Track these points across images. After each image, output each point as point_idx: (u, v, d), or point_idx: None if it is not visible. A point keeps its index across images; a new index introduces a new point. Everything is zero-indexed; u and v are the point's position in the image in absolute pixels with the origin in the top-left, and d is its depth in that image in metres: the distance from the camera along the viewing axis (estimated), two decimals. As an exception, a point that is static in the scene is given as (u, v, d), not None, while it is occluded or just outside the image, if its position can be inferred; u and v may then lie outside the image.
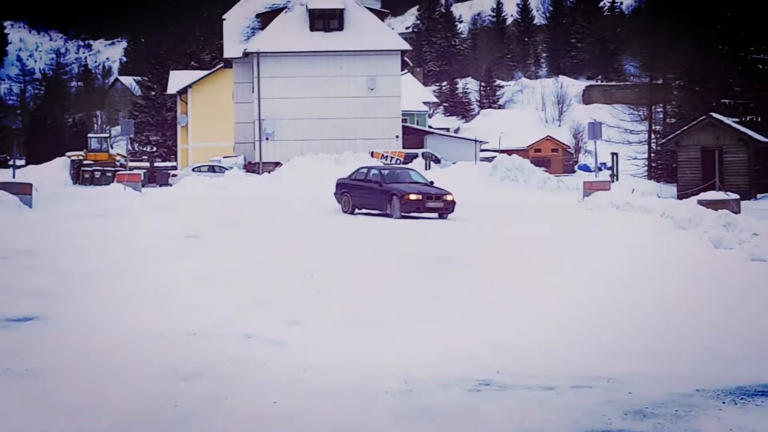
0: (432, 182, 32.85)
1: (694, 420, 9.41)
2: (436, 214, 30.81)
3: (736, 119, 51.38)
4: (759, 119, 52.66)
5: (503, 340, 13.17)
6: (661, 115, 72.72)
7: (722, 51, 58.90)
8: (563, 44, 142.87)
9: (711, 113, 50.61)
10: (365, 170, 34.02)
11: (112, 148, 77.08)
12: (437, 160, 61.70)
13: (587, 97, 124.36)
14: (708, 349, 12.83)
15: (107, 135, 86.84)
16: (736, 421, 9.38)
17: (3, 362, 11.28)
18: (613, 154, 61.89)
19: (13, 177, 40.12)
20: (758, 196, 48.20)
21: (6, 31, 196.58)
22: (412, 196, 30.42)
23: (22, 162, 72.76)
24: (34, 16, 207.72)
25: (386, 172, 33.60)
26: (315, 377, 10.96)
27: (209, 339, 13.00)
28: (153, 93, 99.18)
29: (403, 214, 30.26)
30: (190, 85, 78.45)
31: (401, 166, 36.81)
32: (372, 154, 57.51)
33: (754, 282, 19.00)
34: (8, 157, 78.01)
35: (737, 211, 29.65)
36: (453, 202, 30.82)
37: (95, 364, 11.37)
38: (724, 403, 10.07)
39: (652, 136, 70.86)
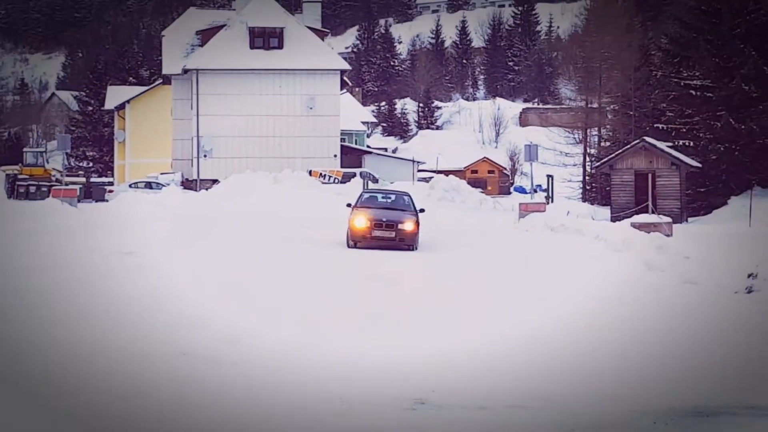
0: (421, 210, 29.01)
1: (625, 440, 9.52)
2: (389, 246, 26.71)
3: (669, 143, 51.93)
4: (691, 144, 53.26)
5: (441, 360, 13.23)
6: (596, 139, 73.34)
7: (656, 76, 59.63)
8: (501, 67, 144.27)
9: (644, 137, 51.13)
10: (367, 194, 31.51)
11: (47, 162, 76.27)
12: (375, 180, 61.78)
13: (524, 120, 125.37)
14: (641, 370, 12.98)
15: (43, 150, 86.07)
16: (667, 441, 9.50)
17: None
18: (548, 176, 62.33)
19: (-53, 190, 39.65)
20: (689, 219, 48.76)
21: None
22: (358, 223, 26.91)
23: (-44, 176, 71.82)
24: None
25: (371, 196, 30.71)
26: (259, 395, 10.95)
27: (148, 358, 12.93)
28: (90, 108, 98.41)
29: (352, 243, 27.14)
30: (128, 101, 77.92)
31: (397, 191, 32.98)
32: (310, 172, 57.48)
33: (686, 304, 19.24)
34: (-59, 171, 77.00)
35: (669, 234, 30.03)
36: (411, 234, 26.86)
37: (35, 385, 11.27)
38: (655, 423, 10.19)
39: (587, 159, 71.40)
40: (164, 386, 11.27)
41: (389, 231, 26.78)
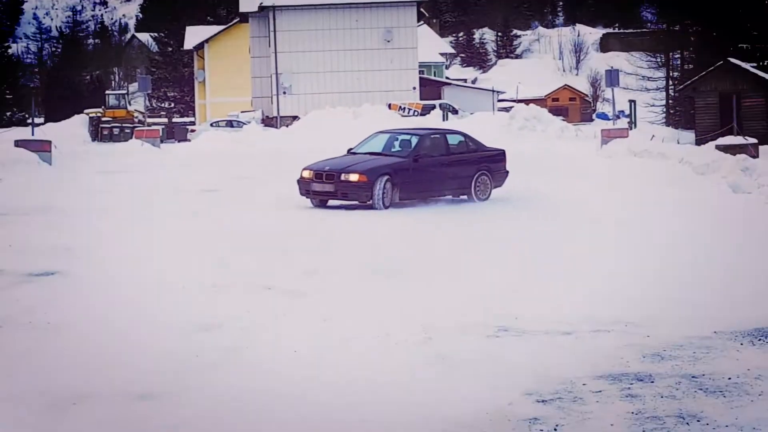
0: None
1: (712, 362, 9.42)
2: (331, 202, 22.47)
3: (754, 64, 51.01)
4: (777, 63, 52.30)
5: (522, 287, 13.19)
6: (679, 62, 72.21)
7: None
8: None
9: (728, 58, 50.24)
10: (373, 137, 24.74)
11: (129, 104, 77.07)
12: (455, 111, 61.48)
13: (604, 45, 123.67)
14: (726, 292, 12.81)
15: (125, 91, 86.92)
16: (755, 361, 9.39)
17: (24, 316, 11.37)
18: (630, 101, 61.55)
19: (32, 135, 40.27)
20: (776, 140, 47.94)
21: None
22: (304, 173, 22.36)
23: (41, 120, 72.78)
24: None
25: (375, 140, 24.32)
26: (334, 327, 11.01)
27: (229, 291, 13.05)
28: (170, 49, 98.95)
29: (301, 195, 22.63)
30: (206, 41, 78.26)
31: (424, 129, 25.66)
32: (390, 106, 57.35)
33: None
34: (27, 116, 78.12)
35: (755, 156, 29.52)
36: (354, 185, 21.65)
37: (116, 318, 11.44)
38: (741, 344, 10.08)
39: (670, 82, 70.43)
40: (245, 319, 11.36)
41: (326, 184, 21.92)
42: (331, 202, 22.39)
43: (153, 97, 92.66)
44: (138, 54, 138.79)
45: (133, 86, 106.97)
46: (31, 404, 8.19)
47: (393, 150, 23.40)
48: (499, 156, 24.25)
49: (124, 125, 66.64)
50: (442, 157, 23.12)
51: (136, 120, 68.49)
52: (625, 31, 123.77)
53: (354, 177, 21.63)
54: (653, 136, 44.93)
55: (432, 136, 23.84)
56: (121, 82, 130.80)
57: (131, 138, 49.53)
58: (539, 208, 21.41)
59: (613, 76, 47.39)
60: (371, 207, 21.58)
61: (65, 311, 11.72)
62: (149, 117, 74.22)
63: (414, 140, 23.30)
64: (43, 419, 7.86)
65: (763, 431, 7.40)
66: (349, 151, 23.77)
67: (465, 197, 23.38)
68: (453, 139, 24.00)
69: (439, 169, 22.90)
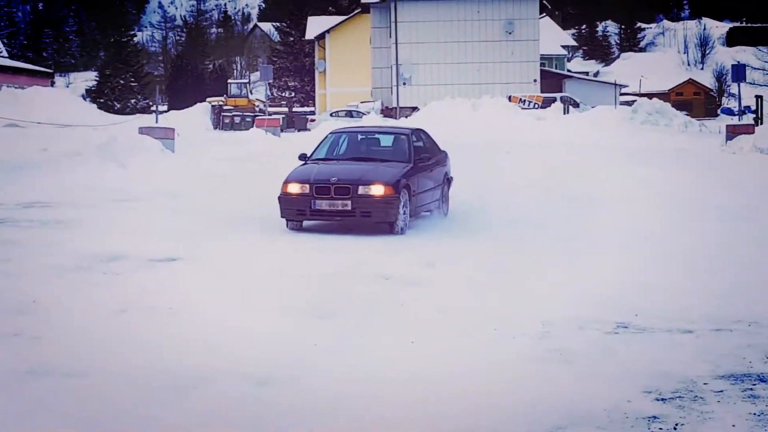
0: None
1: (839, 365, 9.22)
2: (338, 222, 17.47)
3: None
4: None
5: (641, 281, 13.04)
6: (809, 57, 70.59)
7: None
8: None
9: None
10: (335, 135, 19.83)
11: (251, 93, 78.01)
12: (576, 104, 61.00)
13: (731, 40, 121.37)
14: None
15: (246, 81, 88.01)
16: None
17: (147, 301, 11.59)
18: (757, 97, 60.30)
19: (156, 122, 40.97)
20: None
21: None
22: (292, 188, 17.14)
23: (164, 107, 74.23)
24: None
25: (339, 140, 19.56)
26: (451, 318, 11.03)
27: (347, 278, 13.16)
28: (291, 39, 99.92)
29: (283, 218, 17.49)
30: (327, 31, 78.83)
31: (389, 128, 22.77)
32: (510, 98, 57.13)
33: None
34: (151, 103, 79.61)
35: None
36: (379, 201, 16.73)
37: (235, 304, 11.60)
38: None
39: (799, 78, 68.89)
40: (363, 306, 11.44)
41: (341, 200, 16.81)
42: (306, 224, 17.84)
43: (274, 87, 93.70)
44: (260, 43, 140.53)
45: (255, 75, 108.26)
46: (152, 385, 8.36)
47: (369, 154, 18.56)
48: (445, 158, 20.32)
49: (245, 114, 67.55)
50: (424, 162, 18.70)
51: (257, 109, 69.34)
52: (754, 24, 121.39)
53: (378, 189, 16.68)
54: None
55: (405, 135, 19.06)
56: (243, 71, 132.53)
57: (252, 127, 50.13)
58: (661, 204, 21.11)
59: (739, 71, 46.48)
60: (388, 231, 17.15)
61: (186, 296, 11.92)
62: (270, 106, 75.02)
63: (394, 140, 19.00)
64: (165, 400, 8.01)
65: None
66: (306, 157, 18.64)
67: (428, 213, 19.24)
68: (418, 140, 19.34)
69: (427, 177, 18.71)
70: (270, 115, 55.80)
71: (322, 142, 19.27)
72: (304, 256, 14.89)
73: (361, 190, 16.66)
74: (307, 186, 16.89)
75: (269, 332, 10.26)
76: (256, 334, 10.16)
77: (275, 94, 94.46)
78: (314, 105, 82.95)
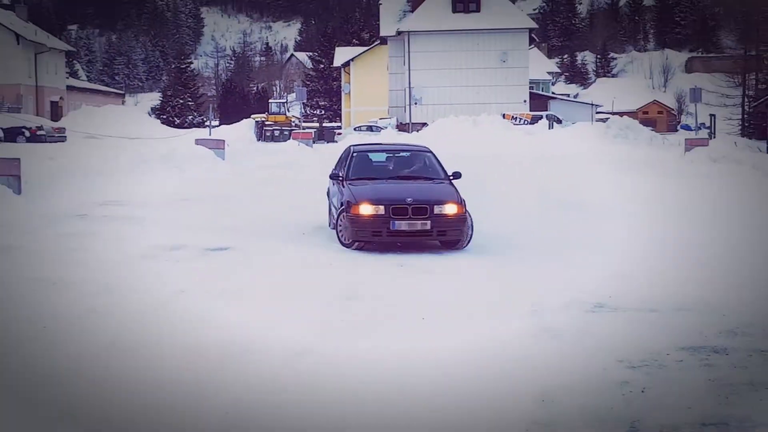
0: (454, 175, 15.86)
1: (780, 339, 9.18)
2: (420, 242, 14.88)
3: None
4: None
5: (616, 270, 12.99)
6: (754, 82, 70.26)
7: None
8: (669, 21, 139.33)
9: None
10: (359, 154, 16.75)
11: (288, 111, 77.97)
12: (559, 121, 60.83)
13: (689, 67, 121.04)
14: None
15: (284, 101, 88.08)
16: (818, 341, 9.12)
17: (203, 284, 11.61)
18: (711, 115, 60.12)
19: (209, 135, 41.05)
20: (840, 150, 46.29)
21: (202, 15, 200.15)
22: (364, 209, 14.43)
23: (216, 123, 74.19)
24: (226, 2, 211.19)
25: (366, 157, 16.75)
26: (457, 299, 11.03)
27: (369, 267, 13.15)
28: (321, 65, 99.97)
29: (353, 240, 14.67)
30: (352, 59, 78.81)
31: (409, 146, 18.90)
32: (504, 115, 57.00)
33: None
34: (205, 120, 79.73)
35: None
36: (453, 220, 14.51)
37: (278, 287, 11.60)
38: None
39: (746, 99, 68.57)
40: (379, 289, 11.43)
41: (419, 220, 14.38)
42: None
43: (307, 106, 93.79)
44: (296, 69, 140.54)
45: (291, 96, 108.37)
46: (209, 356, 8.37)
47: (408, 172, 16.16)
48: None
49: (283, 128, 67.49)
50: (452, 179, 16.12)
51: (293, 124, 69.34)
52: (708, 55, 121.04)
53: (452, 209, 14.52)
54: (735, 143, 43.79)
55: (429, 152, 16.93)
56: (282, 93, 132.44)
57: (289, 139, 50.16)
58: (628, 210, 21.00)
59: (696, 94, 46.33)
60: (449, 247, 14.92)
61: (236, 280, 11.94)
62: (304, 122, 75.01)
63: (421, 157, 16.64)
64: (220, 369, 8.02)
65: (825, 400, 7.19)
66: (340, 177, 15.82)
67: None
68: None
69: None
70: (304, 129, 55.79)
71: (349, 160, 16.20)
72: (333, 245, 14.89)
73: (436, 209, 14.35)
74: (382, 207, 14.22)
75: (304, 311, 10.27)
76: (294, 312, 10.17)
77: (308, 112, 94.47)
78: (341, 121, 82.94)
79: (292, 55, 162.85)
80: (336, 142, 55.72)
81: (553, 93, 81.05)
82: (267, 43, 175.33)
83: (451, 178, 15.78)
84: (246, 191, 23.34)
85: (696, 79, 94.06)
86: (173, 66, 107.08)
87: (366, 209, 14.33)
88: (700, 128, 54.18)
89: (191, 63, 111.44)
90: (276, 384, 7.61)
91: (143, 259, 13.27)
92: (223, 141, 33.15)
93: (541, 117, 58.90)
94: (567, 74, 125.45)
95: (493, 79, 61.69)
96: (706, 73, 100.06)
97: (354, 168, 15.90)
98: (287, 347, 8.63)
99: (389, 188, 15.00)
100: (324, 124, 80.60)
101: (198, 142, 32.33)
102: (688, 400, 7.21)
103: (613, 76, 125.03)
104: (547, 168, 29.44)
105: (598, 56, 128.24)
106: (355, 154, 16.44)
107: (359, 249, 14.62)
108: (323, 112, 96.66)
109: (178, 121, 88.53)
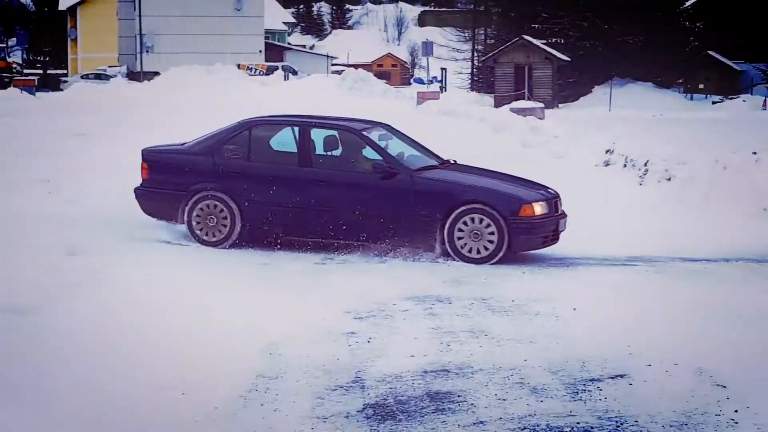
0: (443, 161, 13.35)
1: (498, 286, 9.65)
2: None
3: (544, 41, 52.05)
4: (562, 41, 53.49)
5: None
6: (483, 37, 73.20)
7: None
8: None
9: (523, 36, 51.16)
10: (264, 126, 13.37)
11: (9, 56, 74.03)
12: (295, 72, 61.12)
13: (422, 21, 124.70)
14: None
15: (4, 45, 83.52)
16: (532, 287, 9.64)
17: None
18: (442, 69, 62.23)
19: None
20: (560, 105, 49.15)
21: None
22: (539, 209, 11.22)
23: None
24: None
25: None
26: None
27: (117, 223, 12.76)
28: (46, 9, 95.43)
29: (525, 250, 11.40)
30: (79, 3, 75.82)
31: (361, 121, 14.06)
32: (239, 66, 56.60)
33: (556, 174, 19.39)
34: None
35: (542, 117, 30.17)
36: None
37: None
38: (523, 273, 10.33)
39: (475, 54, 71.35)
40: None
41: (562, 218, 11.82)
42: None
43: (30, 51, 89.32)
44: (17, 12, 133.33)
45: (12, 41, 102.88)
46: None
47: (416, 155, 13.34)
48: None
49: (2, 74, 64.10)
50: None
51: (14, 70, 65.99)
52: (440, 9, 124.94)
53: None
54: (463, 99, 45.56)
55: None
56: (2, 36, 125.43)
57: (10, 86, 47.69)
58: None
59: (428, 47, 47.79)
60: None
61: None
62: (26, 69, 71.51)
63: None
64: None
65: (539, 344, 7.63)
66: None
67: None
68: None
69: None
70: (26, 75, 53.20)
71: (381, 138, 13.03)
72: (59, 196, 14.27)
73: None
74: (546, 204, 11.39)
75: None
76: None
77: (31, 58, 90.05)
78: (67, 68, 79.65)
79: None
80: (62, 90, 53.50)
81: (288, 44, 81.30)
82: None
83: None
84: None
85: (429, 33, 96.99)
86: None
87: (540, 209, 11.29)
88: (432, 82, 55.93)
89: None
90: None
91: None
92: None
93: (276, 68, 58.92)
94: (303, 25, 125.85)
95: (228, 28, 61.11)
96: (438, 27, 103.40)
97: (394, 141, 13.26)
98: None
99: (508, 182, 12.16)
100: (48, 71, 77.20)
101: None
102: (411, 349, 7.46)
103: (349, 27, 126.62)
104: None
105: (334, 7, 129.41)
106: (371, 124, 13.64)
107: None
108: (48, 58, 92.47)
109: None
